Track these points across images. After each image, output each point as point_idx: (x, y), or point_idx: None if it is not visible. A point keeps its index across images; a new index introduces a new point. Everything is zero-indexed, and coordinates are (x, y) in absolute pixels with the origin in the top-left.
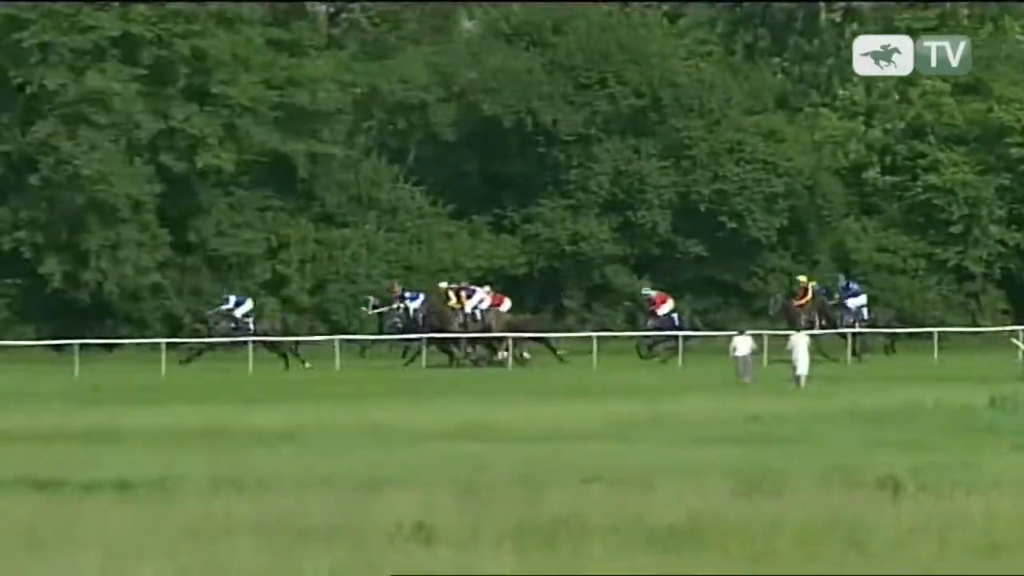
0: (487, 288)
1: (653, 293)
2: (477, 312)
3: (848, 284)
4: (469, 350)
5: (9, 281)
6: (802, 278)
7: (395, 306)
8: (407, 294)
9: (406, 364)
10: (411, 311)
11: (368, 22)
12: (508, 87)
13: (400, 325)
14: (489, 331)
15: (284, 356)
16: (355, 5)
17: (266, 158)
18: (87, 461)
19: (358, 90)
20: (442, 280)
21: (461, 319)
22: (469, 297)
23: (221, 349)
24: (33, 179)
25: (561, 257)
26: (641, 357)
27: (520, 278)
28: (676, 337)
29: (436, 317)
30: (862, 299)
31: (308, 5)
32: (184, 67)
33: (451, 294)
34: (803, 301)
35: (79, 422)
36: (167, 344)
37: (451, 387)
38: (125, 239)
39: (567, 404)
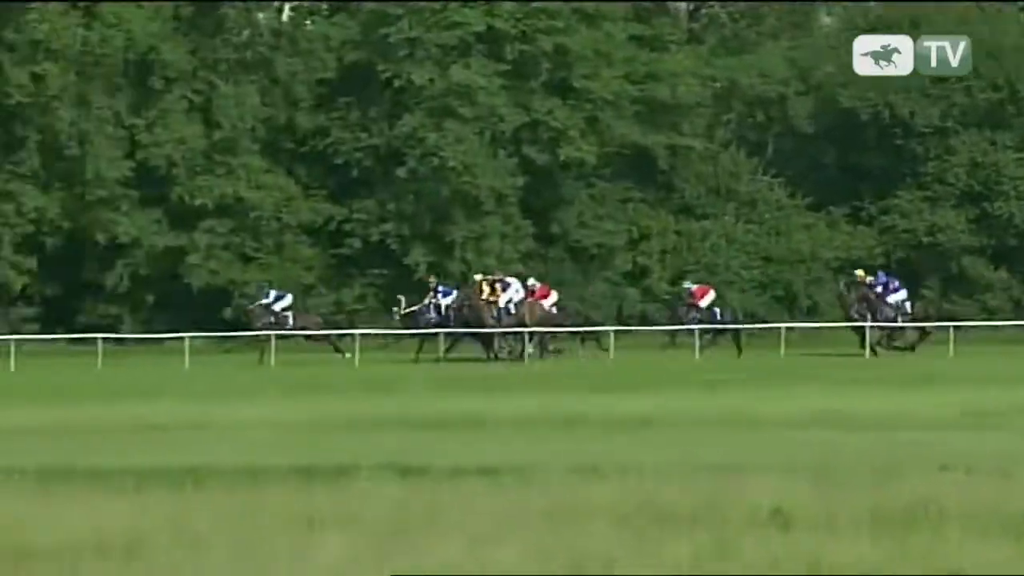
0: (533, 281)
1: (694, 286)
2: (511, 306)
3: (886, 280)
4: (502, 344)
5: (376, 271)
6: (859, 272)
7: (427, 302)
8: (440, 289)
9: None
10: (443, 307)
11: (727, 17)
12: (865, 80)
13: (434, 321)
14: (523, 325)
15: (338, 349)
16: (714, 2)
17: (627, 151)
18: (453, 447)
19: (717, 84)
20: None
21: (495, 313)
22: (504, 290)
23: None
24: (400, 172)
25: (918, 248)
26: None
27: (877, 269)
28: (727, 330)
29: (469, 311)
30: (903, 294)
31: (670, 5)
32: (547, 62)
33: (486, 287)
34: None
35: (445, 408)
36: (529, 334)
37: (807, 375)
38: (489, 230)
39: (922, 392)
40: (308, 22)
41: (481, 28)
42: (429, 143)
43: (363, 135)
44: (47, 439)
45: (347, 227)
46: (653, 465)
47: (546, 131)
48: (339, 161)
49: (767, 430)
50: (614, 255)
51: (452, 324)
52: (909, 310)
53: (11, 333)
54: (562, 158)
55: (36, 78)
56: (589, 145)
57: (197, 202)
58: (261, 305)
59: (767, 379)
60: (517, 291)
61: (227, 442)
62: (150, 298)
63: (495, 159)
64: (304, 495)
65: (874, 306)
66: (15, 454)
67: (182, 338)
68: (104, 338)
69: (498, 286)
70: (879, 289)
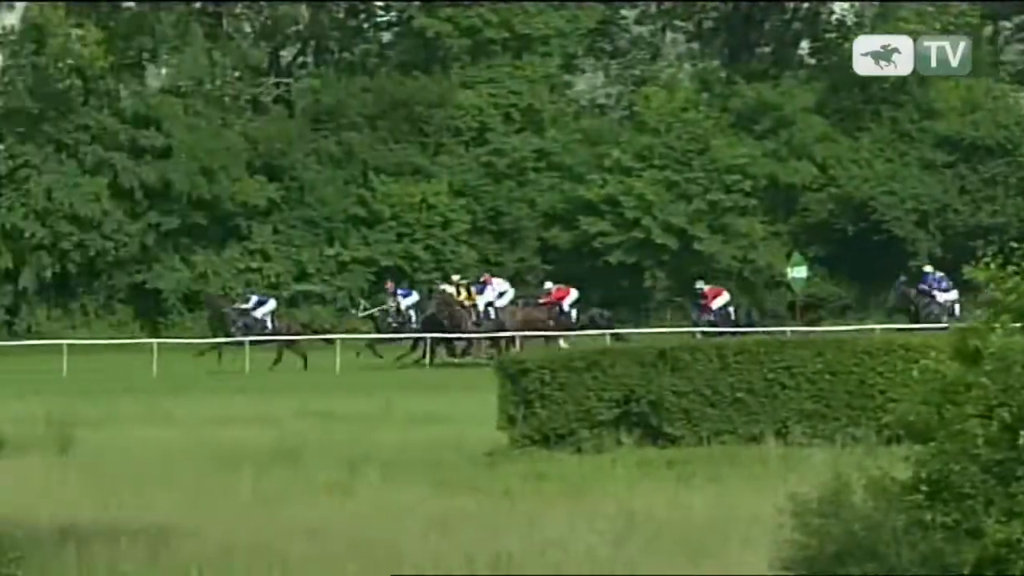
0: (549, 284)
1: (706, 287)
2: (491, 310)
3: (935, 279)
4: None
5: None
6: (927, 268)
7: (387, 305)
8: (399, 292)
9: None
10: (403, 309)
11: None
12: None
13: (394, 324)
14: (502, 329)
15: (303, 356)
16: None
17: None
18: None
19: None
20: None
21: (473, 317)
22: (481, 292)
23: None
24: None
25: None
26: None
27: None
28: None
29: (447, 315)
30: (954, 294)
31: None
32: None
33: (461, 290)
34: None
35: None
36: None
37: None
38: None
39: None
40: None
41: None
42: None
43: None
44: None
45: None
46: None
47: None
48: None
49: None
50: None
51: (417, 327)
52: (958, 312)
53: None
54: None
55: None
56: None
57: None
58: (238, 309)
59: None
60: (502, 293)
61: None
62: None
63: None
64: None
65: (914, 303)
66: None
67: None
68: None
69: (473, 289)
70: (925, 287)
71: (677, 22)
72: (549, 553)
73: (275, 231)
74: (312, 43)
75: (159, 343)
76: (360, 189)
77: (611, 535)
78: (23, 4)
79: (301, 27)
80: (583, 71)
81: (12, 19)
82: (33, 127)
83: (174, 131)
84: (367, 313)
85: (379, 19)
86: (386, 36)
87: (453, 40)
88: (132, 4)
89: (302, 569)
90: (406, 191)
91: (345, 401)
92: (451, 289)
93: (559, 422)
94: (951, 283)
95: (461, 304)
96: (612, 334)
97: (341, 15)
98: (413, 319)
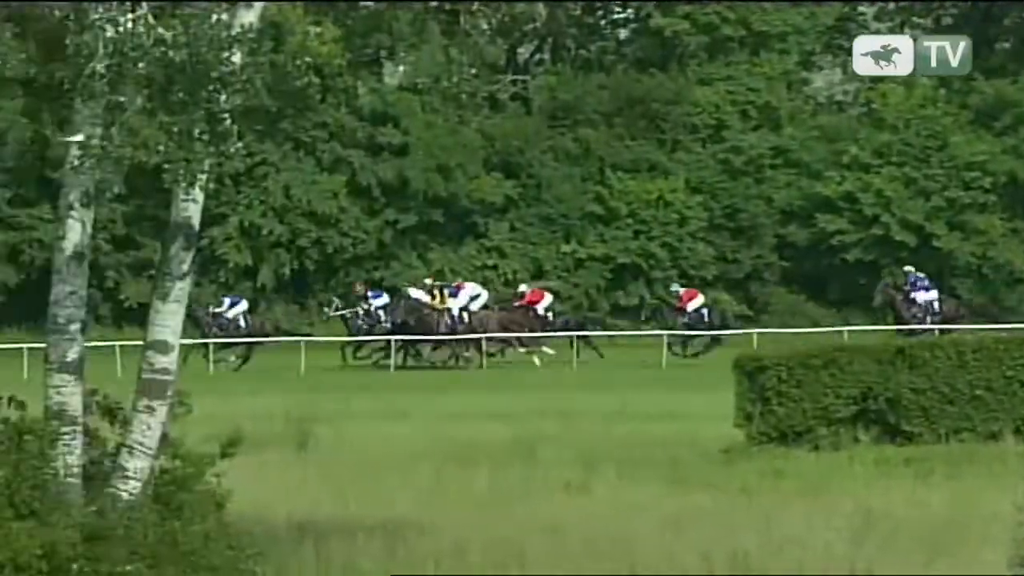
0: (524, 287)
1: (682, 289)
2: (464, 314)
3: (916, 278)
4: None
5: None
6: (908, 268)
7: (358, 308)
8: (370, 294)
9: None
10: (373, 311)
11: None
12: None
13: (365, 327)
14: (475, 333)
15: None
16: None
17: None
18: None
19: None
20: None
21: (448, 320)
22: (454, 296)
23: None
24: None
25: None
26: (674, 355)
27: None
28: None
29: (416, 318)
30: (933, 294)
31: None
32: None
33: (435, 293)
34: None
35: None
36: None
37: None
38: None
39: None
40: None
41: None
42: None
43: None
44: None
45: None
46: None
47: None
48: None
49: None
50: None
51: (383, 329)
52: (938, 310)
53: None
54: None
55: None
56: None
57: None
58: (212, 312)
59: None
60: (475, 297)
61: None
62: None
63: None
64: None
65: (897, 305)
66: None
67: None
68: None
69: (445, 291)
70: (906, 288)
71: (915, 19)
72: (787, 551)
73: (512, 228)
74: (549, 40)
75: (396, 340)
76: (597, 186)
77: (849, 533)
78: (261, 3)
79: (538, 24)
80: (821, 68)
81: (250, 17)
82: (271, 125)
83: (411, 128)
84: (338, 314)
85: (616, 16)
86: (623, 33)
87: (690, 37)
88: (370, 2)
89: (538, 566)
90: (643, 188)
91: (581, 398)
92: (423, 294)
93: (796, 419)
94: (931, 283)
95: (433, 308)
96: (580, 336)
97: (578, 12)
98: (382, 319)
